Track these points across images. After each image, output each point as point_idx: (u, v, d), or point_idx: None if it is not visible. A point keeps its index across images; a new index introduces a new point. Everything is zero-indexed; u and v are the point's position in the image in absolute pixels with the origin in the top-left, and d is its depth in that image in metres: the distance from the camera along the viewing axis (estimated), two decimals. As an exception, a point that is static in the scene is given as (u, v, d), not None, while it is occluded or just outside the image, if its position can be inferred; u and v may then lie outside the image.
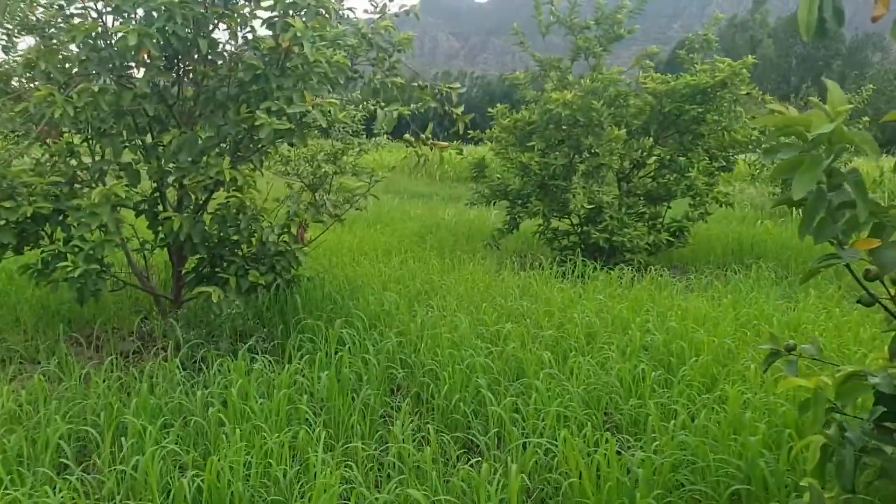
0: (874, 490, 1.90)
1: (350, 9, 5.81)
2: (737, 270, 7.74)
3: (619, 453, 3.07)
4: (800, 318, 5.03)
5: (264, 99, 4.78)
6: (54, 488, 2.86)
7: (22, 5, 5.11)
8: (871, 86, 13.15)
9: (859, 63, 73.71)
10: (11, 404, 3.66)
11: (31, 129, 5.00)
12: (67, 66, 4.93)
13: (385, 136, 12.81)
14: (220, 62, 5.28)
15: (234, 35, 5.21)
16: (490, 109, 8.90)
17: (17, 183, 4.84)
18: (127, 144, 5.28)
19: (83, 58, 4.61)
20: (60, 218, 4.95)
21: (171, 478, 3.02)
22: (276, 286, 5.20)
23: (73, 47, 4.89)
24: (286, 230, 5.18)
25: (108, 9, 4.65)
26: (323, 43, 4.78)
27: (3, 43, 5.62)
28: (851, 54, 76.57)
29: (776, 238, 9.66)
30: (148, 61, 4.63)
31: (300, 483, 3.00)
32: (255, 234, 5.13)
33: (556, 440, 3.20)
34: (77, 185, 5.10)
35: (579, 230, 8.62)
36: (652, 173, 8.96)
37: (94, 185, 5.08)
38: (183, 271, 5.59)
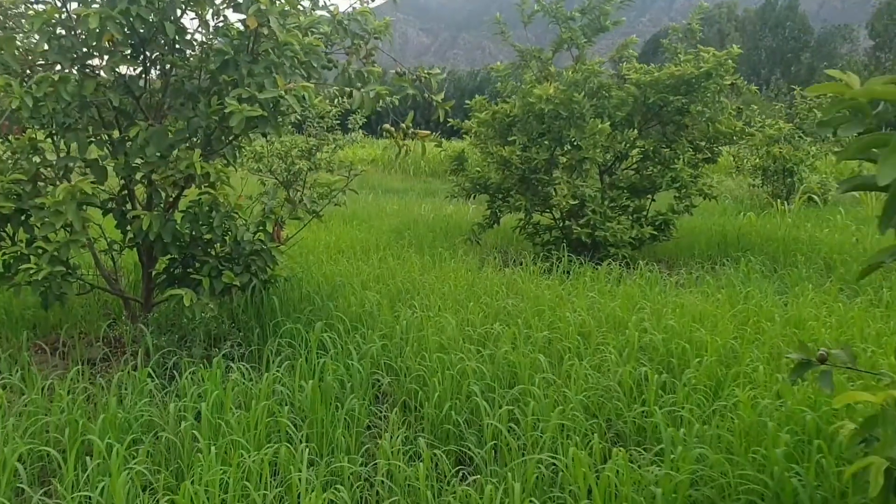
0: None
1: (326, -7, 5.53)
2: (725, 264, 7.58)
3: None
4: (801, 314, 4.85)
5: (236, 88, 4.51)
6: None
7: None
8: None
9: (828, 54, 74.55)
10: (-36, 421, 3.35)
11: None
12: (30, 57, 4.62)
13: (360, 131, 12.53)
14: (189, 52, 4.99)
15: (204, 23, 4.91)
16: (468, 102, 8.66)
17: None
18: (93, 139, 4.95)
19: (43, 46, 4.29)
20: (23, 218, 4.64)
21: (140, 502, 2.75)
22: (252, 287, 4.92)
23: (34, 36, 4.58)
24: (262, 228, 4.90)
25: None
26: (294, 24, 4.49)
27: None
28: (820, 46, 77.43)
29: (760, 230, 9.53)
30: (111, 48, 4.32)
31: (283, 505, 2.74)
32: (229, 233, 4.84)
33: (558, 453, 2.97)
34: (41, 184, 4.78)
35: (561, 224, 8.42)
36: (635, 165, 8.78)
37: (58, 182, 4.78)
38: (153, 272, 5.29)
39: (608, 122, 7.75)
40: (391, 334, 4.42)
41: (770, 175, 12.47)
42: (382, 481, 2.89)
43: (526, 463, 2.90)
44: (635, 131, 8.01)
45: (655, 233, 8.17)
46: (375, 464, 3.04)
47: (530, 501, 2.60)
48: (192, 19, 4.85)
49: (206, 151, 4.91)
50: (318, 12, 5.44)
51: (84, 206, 4.59)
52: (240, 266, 4.90)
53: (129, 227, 4.92)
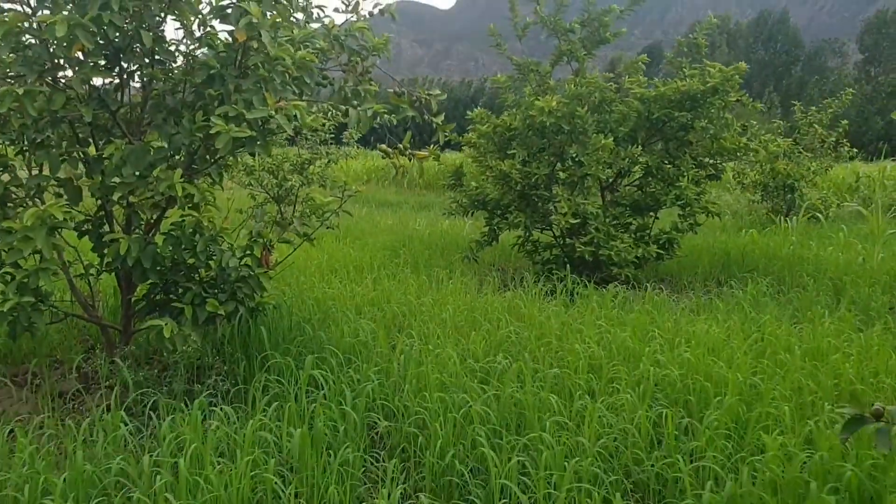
0: None
1: (320, 7, 5.24)
2: (732, 285, 7.30)
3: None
4: (819, 344, 4.56)
5: (222, 104, 4.20)
6: None
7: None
8: (850, 90, 12.91)
9: (819, 68, 74.81)
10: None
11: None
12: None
13: (355, 144, 12.23)
14: (172, 64, 4.68)
15: (189, 34, 4.60)
16: (468, 114, 8.37)
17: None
18: (66, 157, 4.63)
19: (8, 57, 3.97)
20: (-10, 243, 4.31)
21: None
22: (239, 316, 4.60)
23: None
24: (249, 253, 4.58)
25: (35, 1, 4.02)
26: (287, 38, 4.20)
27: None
28: (810, 60, 77.69)
29: (763, 248, 9.26)
30: (82, 59, 4.01)
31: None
32: (214, 258, 4.53)
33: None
34: (10, 205, 4.47)
35: (561, 242, 8.13)
36: (637, 182, 8.52)
37: (29, 203, 4.46)
38: (132, 299, 4.96)
39: (611, 138, 7.48)
40: (388, 369, 4.10)
41: (770, 191, 12.24)
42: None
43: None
44: (639, 147, 7.74)
45: (661, 252, 7.89)
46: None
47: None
48: (176, 29, 4.54)
49: (189, 171, 4.60)
50: (313, 25, 5.16)
51: (57, 231, 4.28)
52: (225, 293, 4.58)
53: (106, 251, 4.60)
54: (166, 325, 4.22)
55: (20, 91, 3.74)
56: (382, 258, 8.38)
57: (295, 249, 4.87)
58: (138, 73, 4.53)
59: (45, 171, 4.54)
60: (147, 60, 4.44)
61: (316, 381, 3.93)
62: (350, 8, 5.24)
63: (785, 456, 3.04)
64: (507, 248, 9.20)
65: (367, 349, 4.53)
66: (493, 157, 7.88)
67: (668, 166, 8.09)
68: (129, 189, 4.29)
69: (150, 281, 4.72)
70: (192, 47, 4.63)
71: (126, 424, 3.49)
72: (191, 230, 4.40)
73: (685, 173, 8.01)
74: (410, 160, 5.25)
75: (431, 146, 6.54)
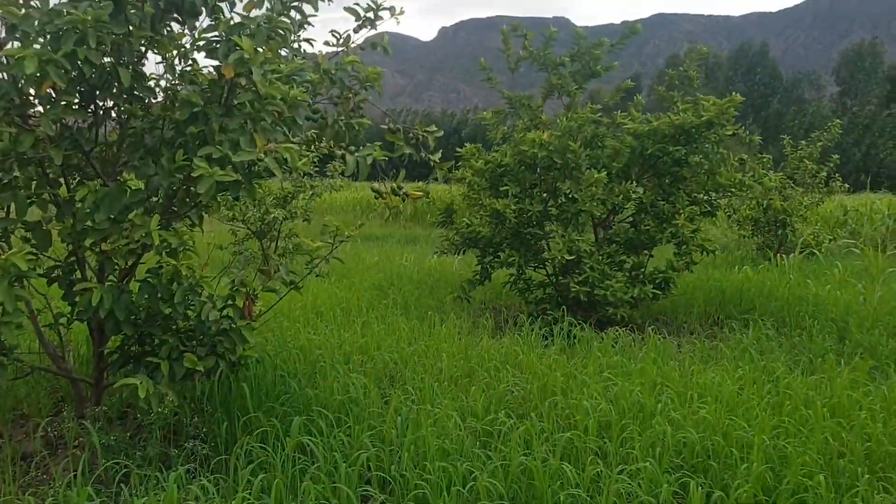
0: None
1: (308, 41, 4.98)
2: (733, 327, 7.06)
3: None
4: (841, 399, 4.30)
5: (204, 143, 3.91)
6: None
7: None
8: (837, 122, 12.82)
9: (796, 100, 75.83)
10: None
11: None
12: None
13: (339, 177, 11.93)
14: (151, 100, 4.38)
15: (170, 68, 4.32)
16: (458, 149, 8.12)
17: None
18: (35, 199, 4.31)
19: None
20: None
21: None
22: (219, 372, 4.26)
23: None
24: (230, 303, 4.26)
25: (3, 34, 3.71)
26: (277, 76, 3.92)
27: None
28: (788, 92, 78.80)
29: (759, 286, 9.03)
30: (53, 97, 3.70)
31: None
32: (193, 308, 4.20)
33: None
34: (-29, 251, 4.12)
35: (554, 280, 7.87)
36: (630, 218, 8.29)
37: (-6, 247, 4.12)
38: (105, 351, 4.61)
39: (604, 173, 7.25)
40: (382, 433, 3.77)
41: (762, 226, 12.08)
42: None
43: None
44: (634, 183, 7.52)
45: (657, 291, 7.64)
46: None
47: None
48: (157, 63, 4.24)
49: (167, 214, 4.29)
50: (300, 59, 4.89)
51: (22, 281, 3.95)
52: (204, 346, 4.25)
53: (77, 300, 4.26)
54: (141, 383, 3.87)
55: (-18, 132, 3.43)
56: (370, 298, 8.07)
57: (280, 299, 4.55)
58: (115, 109, 4.23)
59: (13, 214, 4.22)
60: (125, 97, 4.16)
61: (304, 447, 3.60)
62: (341, 42, 4.99)
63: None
64: (498, 285, 8.93)
65: (359, 406, 4.21)
66: (486, 195, 7.62)
67: (663, 203, 7.88)
68: (102, 235, 3.97)
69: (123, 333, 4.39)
70: (173, 82, 4.35)
71: (92, 497, 3.14)
72: (168, 279, 4.08)
73: (680, 210, 7.80)
74: (404, 200, 4.97)
75: (420, 184, 6.27)
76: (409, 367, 5.24)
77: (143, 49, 4.02)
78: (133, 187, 4.25)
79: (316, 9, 4.57)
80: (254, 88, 3.70)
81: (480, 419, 4.09)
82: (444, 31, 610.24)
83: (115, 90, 4.01)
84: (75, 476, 3.48)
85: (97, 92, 3.99)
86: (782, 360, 5.53)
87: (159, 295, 4.13)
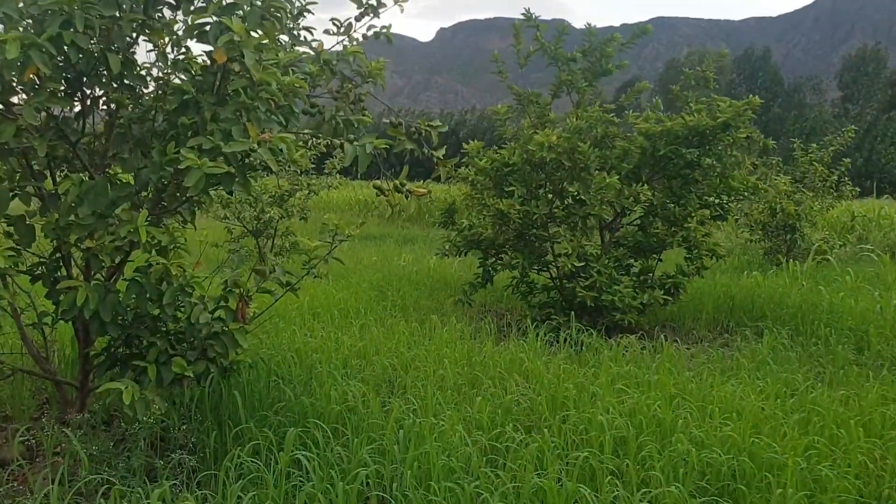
0: None
1: (308, 29, 4.73)
2: (746, 335, 6.81)
3: None
4: (874, 416, 4.04)
5: (197, 135, 3.65)
6: None
7: None
8: (851, 127, 12.60)
9: (798, 104, 75.66)
10: None
11: None
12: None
13: (337, 174, 11.68)
14: (142, 89, 4.12)
15: (162, 56, 4.05)
16: (464, 147, 7.86)
17: None
18: (18, 192, 4.05)
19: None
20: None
21: None
22: (210, 377, 4.01)
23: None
24: (223, 304, 4.00)
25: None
26: (272, 61, 3.66)
27: None
28: (789, 96, 78.66)
29: (770, 292, 8.79)
30: (37, 84, 3.45)
31: None
32: (183, 310, 3.94)
33: None
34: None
35: (558, 284, 7.62)
36: (638, 221, 8.04)
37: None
38: (91, 353, 4.35)
39: (615, 176, 7.00)
40: (383, 447, 3.51)
41: (770, 231, 11.82)
42: None
43: None
44: (645, 186, 7.27)
45: (668, 297, 7.39)
46: None
47: None
48: (148, 51, 3.99)
49: (156, 209, 4.04)
50: (300, 49, 4.63)
51: (1, 278, 3.70)
52: (195, 350, 3.99)
53: (61, 299, 4.01)
54: (126, 388, 3.62)
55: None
56: (368, 300, 7.82)
57: (276, 301, 4.29)
58: (104, 98, 3.97)
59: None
60: (115, 85, 3.90)
61: (299, 462, 3.34)
62: (342, 30, 4.73)
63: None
64: (499, 288, 8.68)
65: (358, 416, 3.95)
66: (491, 195, 7.36)
67: (673, 206, 7.63)
68: (87, 231, 3.71)
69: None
70: (165, 71, 4.09)
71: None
72: (157, 278, 3.82)
73: (692, 213, 7.55)
74: (407, 198, 4.71)
75: (421, 183, 6.00)
76: (410, 373, 5.00)
77: (133, 35, 3.76)
78: (123, 181, 4.01)
79: (316, -8, 4.32)
80: (247, 75, 3.44)
81: (487, 432, 3.84)
82: (442, 33, 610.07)
83: (103, 78, 3.75)
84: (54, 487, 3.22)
85: (84, 79, 3.72)
86: (801, 372, 5.28)
87: (147, 295, 3.88)
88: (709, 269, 7.98)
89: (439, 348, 5.54)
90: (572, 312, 6.93)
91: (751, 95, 7.51)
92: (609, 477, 3.27)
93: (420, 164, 5.69)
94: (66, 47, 3.35)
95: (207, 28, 3.47)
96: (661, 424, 3.86)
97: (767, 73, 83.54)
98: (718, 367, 5.39)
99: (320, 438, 3.54)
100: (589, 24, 8.02)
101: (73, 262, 4.23)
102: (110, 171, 4.16)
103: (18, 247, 3.95)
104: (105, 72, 3.68)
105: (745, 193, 8.10)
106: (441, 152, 4.71)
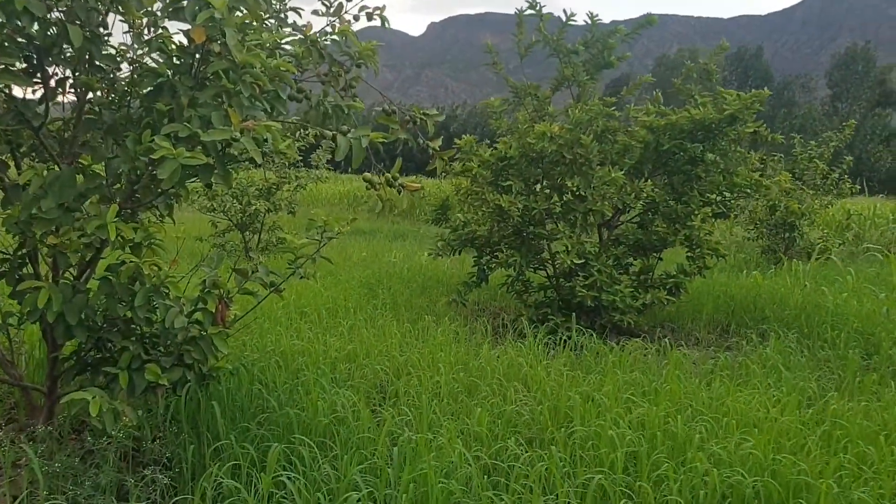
0: None
1: (296, 10, 4.40)
2: (750, 338, 6.55)
3: None
4: (892, 425, 3.77)
5: (174, 122, 3.32)
6: None
7: None
8: (852, 122, 12.36)
9: (787, 102, 75.76)
10: None
11: None
12: None
13: (325, 167, 11.35)
14: (115, 73, 3.79)
15: (137, 37, 3.72)
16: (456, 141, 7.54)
17: None
18: (-24, 183, 3.71)
19: None
20: None
21: None
22: (187, 386, 3.68)
23: None
24: (201, 306, 3.68)
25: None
26: (255, 41, 3.34)
27: None
28: (779, 93, 78.64)
29: (771, 293, 8.53)
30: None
31: None
32: (157, 312, 3.62)
33: None
34: None
35: (555, 283, 7.33)
36: (637, 218, 7.76)
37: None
38: (59, 356, 4.02)
39: (619, 171, 6.71)
40: (375, 466, 3.20)
41: (770, 229, 11.58)
42: None
43: None
44: (648, 182, 6.98)
45: (670, 297, 7.11)
46: None
47: None
48: (124, 32, 3.66)
49: (130, 204, 3.70)
50: (286, 29, 4.31)
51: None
52: (170, 356, 3.67)
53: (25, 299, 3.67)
54: (94, 398, 3.29)
55: None
56: (358, 298, 7.50)
57: (259, 303, 3.97)
58: (67, 82, 3.63)
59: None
60: (87, 66, 3.56)
61: (283, 485, 3.03)
62: (332, 10, 4.40)
63: None
64: (493, 286, 8.38)
65: (347, 428, 3.64)
66: (489, 190, 7.05)
67: (674, 203, 7.36)
68: (51, 226, 3.38)
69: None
70: (139, 53, 3.76)
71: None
72: (128, 278, 3.50)
73: (696, 211, 7.27)
74: (400, 192, 4.39)
75: (416, 175, 5.70)
76: (403, 378, 4.69)
77: (101, 8, 3.42)
78: (94, 172, 3.68)
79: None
80: (229, 56, 3.12)
81: (487, 446, 3.54)
82: (433, 27, 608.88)
83: (67, 55, 3.42)
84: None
85: (44, 56, 3.38)
86: (814, 378, 5.02)
87: (118, 296, 3.55)
88: (710, 268, 7.70)
89: (433, 352, 5.24)
90: (573, 314, 6.64)
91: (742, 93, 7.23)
92: (624, 500, 2.98)
93: (408, 160, 5.36)
94: (18, 16, 3.01)
95: (185, 3, 3.14)
96: (675, 439, 3.58)
97: (759, 71, 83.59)
98: (728, 373, 5.11)
99: (306, 455, 3.23)
100: (591, 14, 7.71)
101: (41, 260, 3.90)
102: (81, 162, 3.83)
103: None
104: (68, 49, 3.34)
105: (748, 191, 7.84)
106: (437, 143, 4.40)
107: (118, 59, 3.67)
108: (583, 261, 6.78)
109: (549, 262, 7.29)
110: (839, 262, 9.82)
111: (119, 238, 3.38)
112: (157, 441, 3.61)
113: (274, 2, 4.14)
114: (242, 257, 10.57)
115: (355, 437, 3.52)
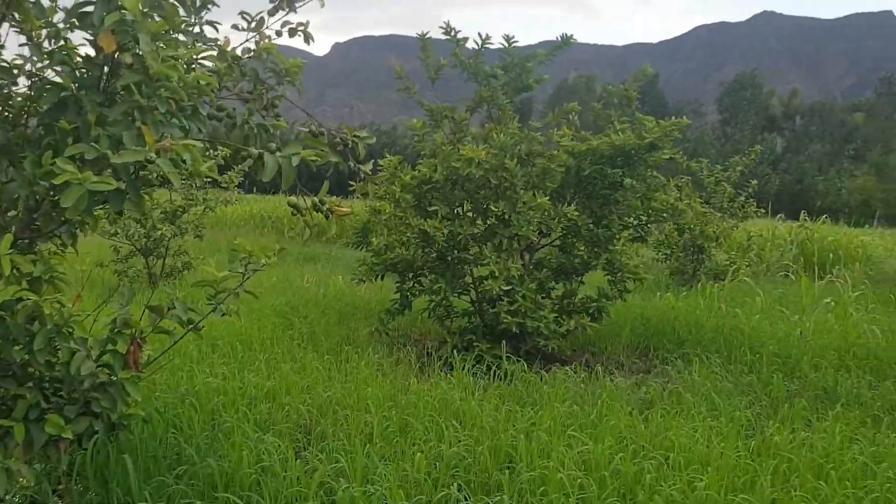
0: None
1: (213, 23, 4.08)
2: (671, 362, 6.55)
3: None
4: (844, 460, 3.74)
5: (79, 142, 2.97)
6: None
7: None
8: (757, 147, 12.82)
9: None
10: None
11: None
12: None
13: (235, 189, 10.87)
14: (10, 89, 3.39)
15: (37, 49, 3.34)
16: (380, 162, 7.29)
17: None
18: None
19: None
20: None
21: None
22: (94, 437, 3.29)
23: None
24: (110, 348, 3.31)
25: None
26: (172, 54, 3.02)
27: None
28: (672, 118, 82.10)
29: (685, 315, 8.61)
30: None
31: None
32: (60, 355, 3.22)
33: None
34: None
35: (478, 308, 7.17)
36: (558, 242, 7.70)
37: None
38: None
39: (546, 198, 6.62)
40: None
41: (679, 251, 11.81)
42: None
43: None
44: (572, 206, 6.92)
45: (593, 323, 7.06)
46: None
47: None
48: (21, 45, 3.27)
49: (28, 233, 3.30)
50: (201, 45, 3.99)
51: None
52: (75, 404, 3.27)
53: None
54: (-18, 456, 2.88)
55: None
56: (273, 328, 7.12)
57: (176, 343, 3.61)
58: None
59: None
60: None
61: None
62: (253, 25, 4.12)
63: None
64: (414, 311, 8.15)
65: (276, 479, 3.33)
66: (412, 214, 6.83)
67: (594, 227, 7.33)
68: (-68, 259, 2.95)
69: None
70: (39, 66, 3.37)
71: None
72: (26, 317, 3.10)
73: (616, 235, 7.27)
74: (328, 217, 4.12)
75: (337, 198, 5.44)
76: (329, 417, 4.40)
77: (-4, 15, 3.05)
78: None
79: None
80: (143, 67, 2.80)
81: (428, 495, 3.30)
82: (337, 47, 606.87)
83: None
84: None
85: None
86: (743, 405, 5.00)
87: (13, 338, 3.14)
88: (630, 292, 7.71)
89: (359, 387, 4.96)
90: (501, 341, 6.48)
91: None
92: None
93: (320, 179, 5.09)
94: None
95: (91, 7, 2.81)
96: (624, 479, 3.43)
97: (654, 97, 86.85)
98: (662, 403, 5.03)
99: (233, 513, 2.91)
100: (507, 37, 7.64)
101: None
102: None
103: None
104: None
105: (665, 215, 7.91)
106: (368, 166, 4.16)
107: (14, 72, 3.28)
108: (510, 286, 6.64)
109: (473, 286, 7.13)
110: (752, 283, 10.06)
111: (15, 272, 2.99)
112: (60, 501, 3.20)
113: (187, 17, 3.83)
114: (146, 284, 9.98)
115: (285, 491, 3.21)
